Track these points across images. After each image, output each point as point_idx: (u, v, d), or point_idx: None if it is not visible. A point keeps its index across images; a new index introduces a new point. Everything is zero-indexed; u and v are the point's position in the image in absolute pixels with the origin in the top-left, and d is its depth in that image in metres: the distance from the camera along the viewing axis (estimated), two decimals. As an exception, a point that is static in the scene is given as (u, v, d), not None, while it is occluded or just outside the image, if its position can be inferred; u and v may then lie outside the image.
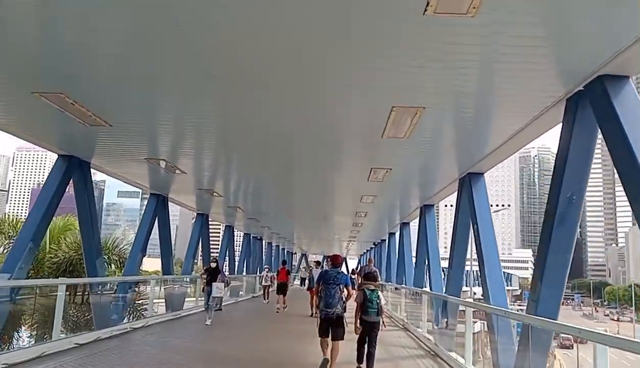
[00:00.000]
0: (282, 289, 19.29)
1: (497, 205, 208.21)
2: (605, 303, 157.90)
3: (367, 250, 45.58)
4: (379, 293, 8.41)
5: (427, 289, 16.40)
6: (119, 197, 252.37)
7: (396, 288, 21.68)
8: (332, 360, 8.02)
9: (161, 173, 13.23)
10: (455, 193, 13.10)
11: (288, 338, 12.57)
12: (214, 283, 14.09)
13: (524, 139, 9.04)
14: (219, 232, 29.39)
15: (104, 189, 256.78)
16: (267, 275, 23.89)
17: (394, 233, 27.11)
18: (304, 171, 14.00)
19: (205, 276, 14.54)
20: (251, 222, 25.98)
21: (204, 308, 14.81)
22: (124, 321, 13.04)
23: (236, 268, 30.19)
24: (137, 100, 8.13)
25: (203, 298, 15.77)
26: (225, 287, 19.36)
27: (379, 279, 14.64)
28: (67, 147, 11.44)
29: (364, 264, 24.17)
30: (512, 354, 7.80)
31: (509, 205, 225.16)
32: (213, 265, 14.59)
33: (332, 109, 8.34)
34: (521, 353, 7.15)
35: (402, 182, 13.34)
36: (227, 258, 28.18)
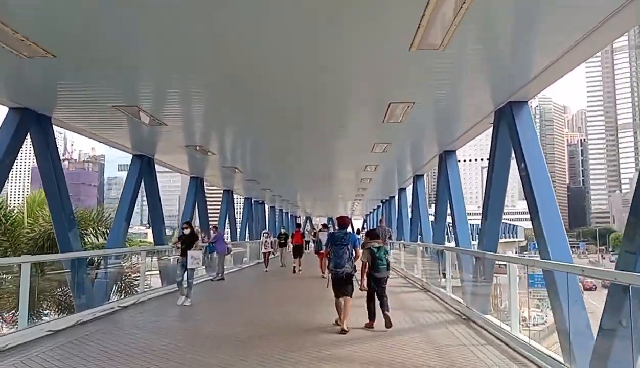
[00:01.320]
0: (298, 252, 20.09)
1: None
2: (610, 249, 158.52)
3: (374, 210, 44.24)
4: (386, 249, 8.86)
5: (450, 245, 15.15)
6: (119, 170, 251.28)
7: (405, 246, 20.96)
8: (344, 316, 8.45)
9: (142, 128, 11.41)
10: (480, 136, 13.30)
11: (300, 304, 11.25)
12: (189, 252, 11.35)
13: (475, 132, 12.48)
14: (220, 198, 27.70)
15: (104, 164, 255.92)
16: (266, 241, 21.22)
17: (404, 189, 25.48)
18: (308, 124, 12.52)
19: (178, 245, 11.68)
20: (251, 184, 24.24)
21: (176, 286, 11.84)
22: (111, 300, 11.51)
23: (238, 234, 28.65)
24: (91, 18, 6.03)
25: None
26: (226, 254, 17.96)
27: (386, 237, 16.44)
28: (18, 97, 9.49)
29: (377, 225, 22.70)
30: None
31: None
32: (186, 230, 11.65)
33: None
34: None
35: (421, 122, 11.85)
36: (227, 224, 26.63)
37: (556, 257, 7.53)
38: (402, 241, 23.07)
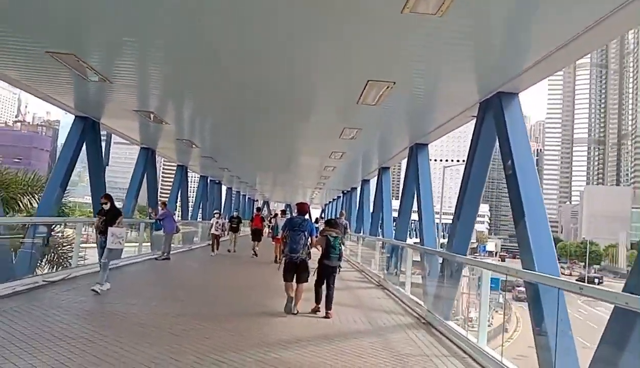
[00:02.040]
0: (257, 235, 19.89)
1: (458, 161, 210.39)
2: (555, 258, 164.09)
3: (333, 200, 43.53)
4: (342, 239, 9.15)
5: (411, 242, 14.57)
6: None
7: (363, 239, 20.09)
8: (296, 301, 8.65)
9: (84, 84, 10.09)
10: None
11: (248, 291, 10.25)
12: (109, 229, 9.27)
13: (454, 124, 11.55)
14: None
15: (58, 129, 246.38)
16: (217, 222, 19.33)
17: (368, 181, 24.79)
18: (275, 101, 11.54)
19: (98, 221, 9.63)
20: (208, 161, 22.83)
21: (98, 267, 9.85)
22: (35, 273, 10.23)
23: (190, 213, 27.27)
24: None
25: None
26: (174, 233, 16.78)
27: (343, 229, 15.52)
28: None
29: (337, 216, 22.01)
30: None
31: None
32: (106, 206, 9.57)
33: None
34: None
35: (397, 108, 11.02)
36: (179, 201, 25.28)
37: (542, 268, 6.74)
38: (362, 234, 22.44)
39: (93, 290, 9.00)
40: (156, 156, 20.04)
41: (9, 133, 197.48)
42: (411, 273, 11.99)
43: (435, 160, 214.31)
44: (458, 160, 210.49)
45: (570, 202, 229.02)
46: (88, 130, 13.44)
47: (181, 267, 15.77)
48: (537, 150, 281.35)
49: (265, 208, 55.79)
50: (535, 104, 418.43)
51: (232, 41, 7.60)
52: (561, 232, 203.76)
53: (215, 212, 20.34)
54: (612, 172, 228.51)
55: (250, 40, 7.48)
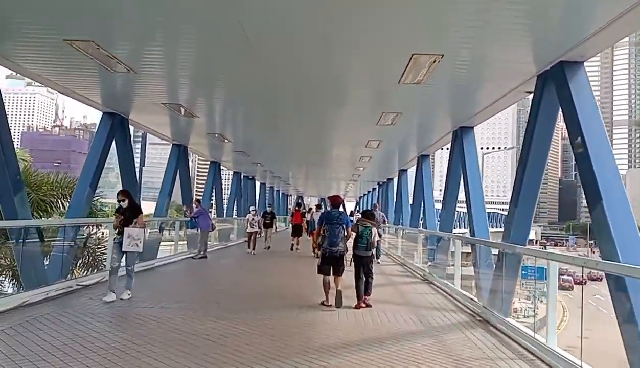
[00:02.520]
0: (297, 231, 19.89)
1: (494, 148, 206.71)
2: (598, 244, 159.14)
3: (368, 192, 42.74)
4: (372, 229, 8.94)
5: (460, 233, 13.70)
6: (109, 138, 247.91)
7: (404, 232, 19.22)
8: (336, 285, 8.60)
9: (108, 76, 9.63)
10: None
11: (288, 291, 9.67)
12: (126, 230, 8.45)
13: (504, 103, 10.69)
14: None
15: (94, 132, 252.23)
16: (253, 219, 18.37)
17: (405, 171, 23.92)
18: (309, 88, 11.00)
19: (116, 220, 8.70)
20: (240, 157, 22.43)
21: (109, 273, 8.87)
22: (68, 277, 9.91)
23: (225, 210, 26.97)
24: None
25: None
26: (209, 230, 16.41)
27: (380, 222, 15.38)
28: (110, 104, 12.61)
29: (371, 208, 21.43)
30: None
31: (505, 148, 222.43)
32: (123, 203, 8.61)
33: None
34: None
35: (443, 87, 10.20)
36: (213, 198, 24.97)
37: (629, 259, 5.79)
38: (401, 226, 21.63)
39: (121, 298, 8.38)
40: (188, 153, 19.71)
41: (48, 138, 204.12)
42: (461, 268, 11.23)
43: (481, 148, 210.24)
44: (494, 148, 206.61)
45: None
46: (117, 127, 13.10)
47: (218, 265, 15.39)
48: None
49: (300, 202, 55.44)
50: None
51: (265, 24, 7.06)
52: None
53: (251, 208, 19.37)
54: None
55: (284, 20, 6.93)
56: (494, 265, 9.28)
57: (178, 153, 18.47)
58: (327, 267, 8.63)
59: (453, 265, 11.46)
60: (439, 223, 15.83)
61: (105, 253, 12.22)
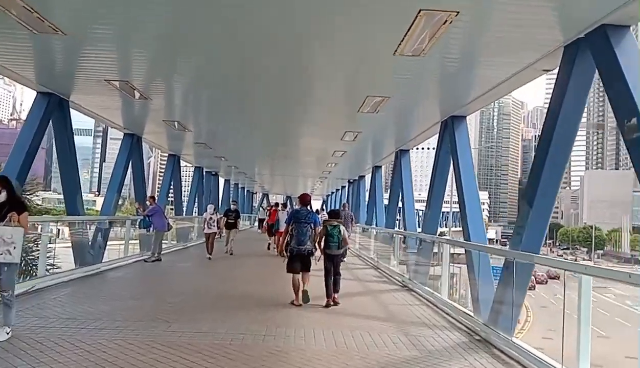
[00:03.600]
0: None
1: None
2: (557, 244, 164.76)
3: (337, 190, 41.50)
4: (341, 227, 8.98)
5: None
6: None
7: (369, 231, 18.20)
8: (304, 282, 8.76)
9: (41, 39, 7.85)
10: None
11: (253, 293, 8.18)
12: None
13: (509, 86, 9.50)
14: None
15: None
16: (211, 218, 16.02)
17: (380, 168, 22.68)
18: (282, 93, 10.96)
19: None
20: (202, 150, 20.55)
21: None
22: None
23: (185, 208, 25.05)
24: None
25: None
26: (165, 231, 14.76)
27: (349, 221, 16.54)
28: (45, 81, 10.79)
29: (340, 208, 21.36)
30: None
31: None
32: (1, 195, 5.99)
33: None
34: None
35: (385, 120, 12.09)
36: (171, 194, 23.07)
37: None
38: (375, 227, 20.42)
39: None
40: (142, 144, 17.67)
41: (5, 131, 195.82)
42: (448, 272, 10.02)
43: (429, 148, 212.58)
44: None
45: (570, 188, 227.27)
46: (53, 109, 11.18)
47: (173, 270, 13.71)
48: (535, 135, 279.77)
49: (264, 201, 53.69)
50: (531, 89, 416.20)
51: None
52: (561, 218, 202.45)
53: (209, 204, 17.16)
54: (611, 156, 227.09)
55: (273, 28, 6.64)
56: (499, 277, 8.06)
57: (130, 143, 16.48)
58: (296, 265, 8.72)
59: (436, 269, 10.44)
60: (421, 223, 14.53)
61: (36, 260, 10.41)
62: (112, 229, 14.76)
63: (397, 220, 18.64)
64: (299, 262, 8.70)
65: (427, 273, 11.73)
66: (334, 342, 6.47)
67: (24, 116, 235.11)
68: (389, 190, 18.17)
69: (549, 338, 36.75)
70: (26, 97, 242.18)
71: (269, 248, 18.72)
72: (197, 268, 14.27)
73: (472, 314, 8.00)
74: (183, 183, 24.39)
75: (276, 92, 11.28)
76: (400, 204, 17.10)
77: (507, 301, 7.07)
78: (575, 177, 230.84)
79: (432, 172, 12.55)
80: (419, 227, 16.41)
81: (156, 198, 15.64)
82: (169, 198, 23.35)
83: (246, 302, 8.95)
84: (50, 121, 11.53)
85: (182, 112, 14.05)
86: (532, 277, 75.04)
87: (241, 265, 15.07)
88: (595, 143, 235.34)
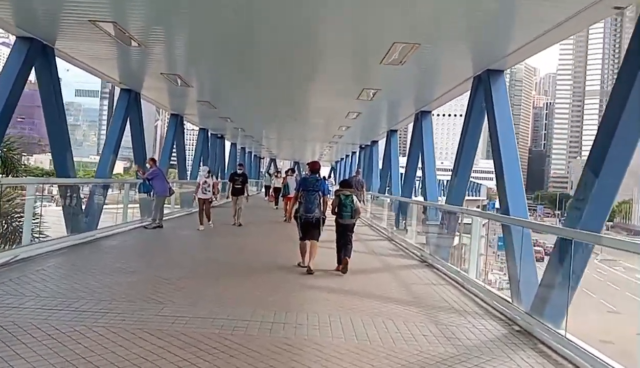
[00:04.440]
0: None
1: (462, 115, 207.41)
2: (565, 214, 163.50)
3: (347, 156, 40.26)
4: (354, 197, 9.10)
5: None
6: (77, 96, 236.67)
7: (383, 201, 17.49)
8: (311, 257, 8.72)
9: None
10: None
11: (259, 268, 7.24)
12: None
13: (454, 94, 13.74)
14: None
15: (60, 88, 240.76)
16: (205, 182, 14.28)
17: (396, 132, 21.40)
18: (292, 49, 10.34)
19: None
20: (206, 109, 19.23)
21: None
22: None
23: (189, 172, 23.99)
24: None
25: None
26: (166, 196, 13.80)
27: (361, 187, 16.74)
28: (25, 25, 9.65)
29: (353, 175, 20.64)
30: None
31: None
32: None
33: None
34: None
35: (407, 77, 11.66)
36: (174, 157, 21.96)
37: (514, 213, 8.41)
38: (388, 195, 19.35)
39: None
40: (141, 100, 16.36)
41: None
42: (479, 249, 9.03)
43: (449, 115, 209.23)
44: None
45: (581, 157, 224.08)
46: (36, 56, 9.92)
47: (175, 239, 12.85)
48: (547, 103, 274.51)
49: (272, 166, 52.61)
50: (545, 55, 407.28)
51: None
52: (571, 189, 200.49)
53: (203, 167, 15.66)
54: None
55: None
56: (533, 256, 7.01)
57: (127, 100, 15.21)
58: (305, 233, 8.81)
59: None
60: (445, 192, 13.43)
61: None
62: (109, 192, 13.76)
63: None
64: (306, 230, 8.79)
65: (450, 249, 10.73)
66: (354, 332, 5.49)
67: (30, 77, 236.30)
68: (406, 157, 16.94)
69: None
70: None
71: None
72: (199, 237, 13.27)
73: (509, 300, 6.99)
74: (188, 146, 23.11)
75: (285, 42, 10.15)
76: (419, 172, 16.05)
77: (557, 288, 6.01)
78: (586, 146, 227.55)
79: (461, 136, 11.28)
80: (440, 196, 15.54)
81: (157, 160, 14.56)
82: (171, 161, 22.24)
83: (252, 278, 8.01)
84: (34, 70, 10.30)
85: (182, 64, 12.77)
86: (541, 249, 74.48)
87: (247, 233, 14.13)
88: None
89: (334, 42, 9.90)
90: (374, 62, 10.19)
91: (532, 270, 7.12)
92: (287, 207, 15.90)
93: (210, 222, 14.26)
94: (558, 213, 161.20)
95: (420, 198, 16.18)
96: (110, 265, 8.44)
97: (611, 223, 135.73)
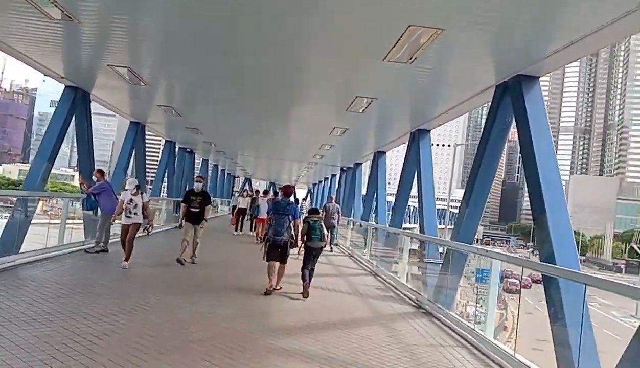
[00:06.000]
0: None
1: (443, 145, 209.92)
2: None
3: (325, 179, 38.35)
4: (321, 223, 9.44)
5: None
6: (52, 106, 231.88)
7: (367, 229, 16.06)
8: (278, 278, 8.97)
9: None
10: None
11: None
12: None
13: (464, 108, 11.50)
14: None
15: (35, 97, 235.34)
16: (130, 202, 10.15)
17: (384, 153, 19.46)
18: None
19: None
20: (170, 117, 16.70)
21: None
22: None
23: (150, 188, 21.50)
24: None
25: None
26: (95, 212, 11.46)
27: (334, 213, 17.80)
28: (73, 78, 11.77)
29: (326, 202, 20.68)
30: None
31: (451, 145, 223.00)
32: None
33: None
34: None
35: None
36: (132, 171, 19.56)
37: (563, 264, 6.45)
38: (372, 222, 17.38)
39: None
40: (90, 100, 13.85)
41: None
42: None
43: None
44: (448, 145, 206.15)
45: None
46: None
47: (114, 271, 10.02)
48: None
49: (247, 186, 50.28)
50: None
51: None
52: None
53: (127, 178, 12.66)
54: (595, 162, 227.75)
55: None
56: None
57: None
58: (272, 254, 8.78)
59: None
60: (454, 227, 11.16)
61: None
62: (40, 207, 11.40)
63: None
64: (276, 251, 8.79)
65: (455, 296, 8.75)
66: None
67: (5, 85, 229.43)
68: (398, 181, 15.00)
69: (539, 350, 34.18)
70: (9, 67, 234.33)
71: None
72: (147, 268, 10.80)
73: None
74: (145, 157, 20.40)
75: (268, 45, 8.55)
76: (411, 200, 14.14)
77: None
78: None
79: (477, 157, 9.16)
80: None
81: (106, 173, 12.27)
82: (151, 177, 19.78)
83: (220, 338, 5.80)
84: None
85: (132, 55, 10.49)
86: (516, 280, 73.09)
87: (198, 283, 11.77)
88: (581, 148, 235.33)
89: (325, 38, 8.01)
90: (376, 57, 8.12)
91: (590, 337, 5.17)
92: (258, 229, 17.25)
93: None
94: (530, 245, 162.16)
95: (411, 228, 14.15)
96: (12, 307, 6.14)
97: (582, 258, 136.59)
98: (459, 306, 15.82)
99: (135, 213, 10.12)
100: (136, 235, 10.23)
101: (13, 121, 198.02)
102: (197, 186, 11.57)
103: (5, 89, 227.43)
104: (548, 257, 6.98)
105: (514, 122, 8.61)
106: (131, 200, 10.13)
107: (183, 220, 11.22)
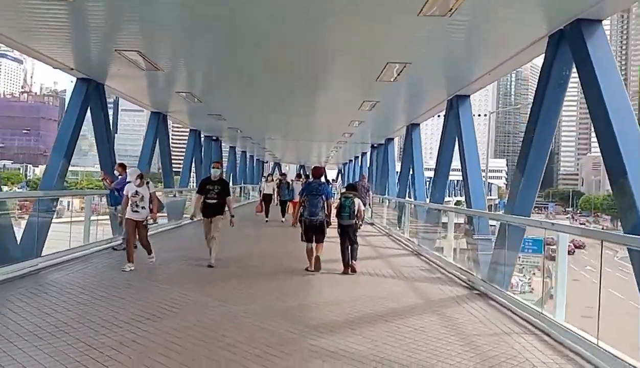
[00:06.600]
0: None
1: (473, 115, 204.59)
2: (578, 211, 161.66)
3: (355, 158, 37.44)
4: (354, 200, 9.36)
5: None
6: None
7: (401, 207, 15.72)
8: (317, 250, 9.15)
9: None
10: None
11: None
12: None
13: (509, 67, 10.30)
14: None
15: (65, 99, 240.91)
16: (135, 194, 8.95)
17: (418, 125, 18.45)
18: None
19: None
20: (191, 105, 16.04)
21: None
22: None
23: (178, 180, 20.99)
24: None
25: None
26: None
27: (365, 192, 17.59)
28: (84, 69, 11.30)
29: (358, 180, 20.71)
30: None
31: (485, 115, 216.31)
32: None
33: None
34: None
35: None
36: (156, 162, 19.13)
37: None
38: (409, 199, 16.54)
39: None
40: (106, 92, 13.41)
41: (16, 104, 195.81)
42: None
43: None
44: (479, 115, 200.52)
45: (591, 152, 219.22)
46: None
47: (147, 268, 9.43)
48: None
49: (276, 171, 49.68)
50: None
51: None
52: (582, 185, 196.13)
53: (130, 169, 9.90)
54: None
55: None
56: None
57: (86, 90, 12.23)
58: (309, 235, 9.05)
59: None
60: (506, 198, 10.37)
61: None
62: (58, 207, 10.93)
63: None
64: (312, 232, 9.02)
65: (512, 274, 7.84)
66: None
67: (35, 89, 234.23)
68: (437, 153, 13.99)
69: (589, 317, 32.70)
70: (38, 70, 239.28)
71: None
72: (174, 263, 10.07)
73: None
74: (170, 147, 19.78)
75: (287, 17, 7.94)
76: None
77: None
78: (595, 141, 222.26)
79: (531, 117, 8.33)
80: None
81: (127, 166, 11.69)
82: (176, 169, 19.25)
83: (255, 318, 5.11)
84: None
85: (146, 40, 9.86)
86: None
87: (218, 290, 11.17)
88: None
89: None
90: (409, 12, 7.15)
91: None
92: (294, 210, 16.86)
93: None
94: (570, 211, 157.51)
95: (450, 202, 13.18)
96: (27, 319, 5.59)
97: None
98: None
99: (142, 207, 8.97)
100: (148, 233, 9.44)
101: (45, 123, 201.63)
102: (214, 173, 9.79)
103: (35, 93, 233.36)
104: (634, 227, 6.07)
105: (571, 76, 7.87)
106: (136, 192, 8.91)
107: (198, 214, 9.90)
